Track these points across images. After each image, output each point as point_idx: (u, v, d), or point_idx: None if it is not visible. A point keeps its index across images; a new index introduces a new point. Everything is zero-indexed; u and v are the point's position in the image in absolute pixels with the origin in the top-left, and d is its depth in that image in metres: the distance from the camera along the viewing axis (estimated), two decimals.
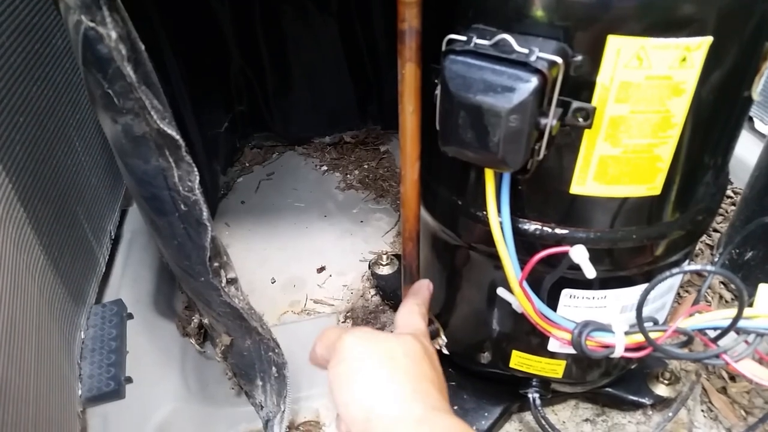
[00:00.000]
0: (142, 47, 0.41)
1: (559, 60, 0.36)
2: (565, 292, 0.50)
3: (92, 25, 0.38)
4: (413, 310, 0.54)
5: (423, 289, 0.59)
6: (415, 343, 0.48)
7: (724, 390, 0.70)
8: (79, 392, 0.66)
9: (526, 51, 0.36)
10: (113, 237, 0.86)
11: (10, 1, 0.59)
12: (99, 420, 0.65)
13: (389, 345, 0.47)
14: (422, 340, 0.49)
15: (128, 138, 0.45)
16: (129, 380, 0.69)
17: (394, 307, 0.79)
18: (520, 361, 0.59)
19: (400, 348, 0.47)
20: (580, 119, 0.39)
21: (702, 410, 0.68)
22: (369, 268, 0.84)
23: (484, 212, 0.46)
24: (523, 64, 0.36)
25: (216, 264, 0.52)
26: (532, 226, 0.46)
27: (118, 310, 0.76)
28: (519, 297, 0.46)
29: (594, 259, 0.42)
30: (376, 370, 0.44)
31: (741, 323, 0.41)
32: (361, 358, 0.45)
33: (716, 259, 0.85)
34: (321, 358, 0.48)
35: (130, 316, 0.76)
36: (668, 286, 0.53)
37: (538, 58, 0.35)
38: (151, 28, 0.82)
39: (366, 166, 1.14)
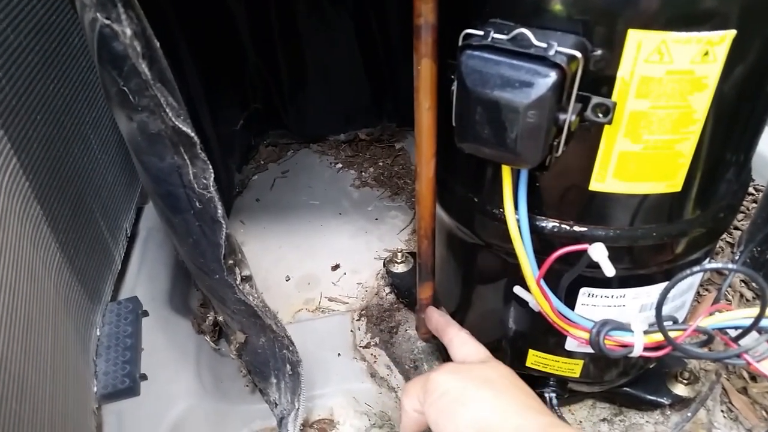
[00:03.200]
0: (157, 44, 0.41)
1: (578, 54, 0.35)
2: (583, 291, 0.49)
3: (107, 22, 0.38)
4: (464, 339, 0.54)
5: (447, 317, 0.59)
6: (502, 366, 0.48)
7: (744, 390, 0.69)
8: (95, 389, 0.66)
9: (544, 45, 0.35)
10: (129, 234, 0.86)
11: (28, 0, 0.59)
12: (114, 417, 0.65)
13: (482, 371, 0.47)
14: (503, 364, 0.49)
15: (144, 135, 0.45)
16: (144, 377, 0.69)
17: (409, 305, 0.79)
18: (536, 360, 0.58)
19: (494, 372, 0.47)
20: (600, 115, 0.38)
21: (722, 411, 0.67)
22: (384, 265, 0.84)
23: (501, 210, 0.45)
24: (542, 59, 0.35)
25: (231, 261, 0.52)
26: (549, 224, 0.46)
27: (134, 307, 0.76)
28: (536, 295, 0.46)
29: (613, 257, 0.41)
30: (480, 392, 0.44)
31: (763, 322, 0.40)
32: (460, 386, 0.45)
33: (737, 257, 0.83)
34: (413, 410, 0.48)
35: (146, 314, 0.77)
36: (688, 284, 0.52)
37: (556, 52, 0.35)
38: (166, 26, 0.83)
39: (381, 164, 1.14)
